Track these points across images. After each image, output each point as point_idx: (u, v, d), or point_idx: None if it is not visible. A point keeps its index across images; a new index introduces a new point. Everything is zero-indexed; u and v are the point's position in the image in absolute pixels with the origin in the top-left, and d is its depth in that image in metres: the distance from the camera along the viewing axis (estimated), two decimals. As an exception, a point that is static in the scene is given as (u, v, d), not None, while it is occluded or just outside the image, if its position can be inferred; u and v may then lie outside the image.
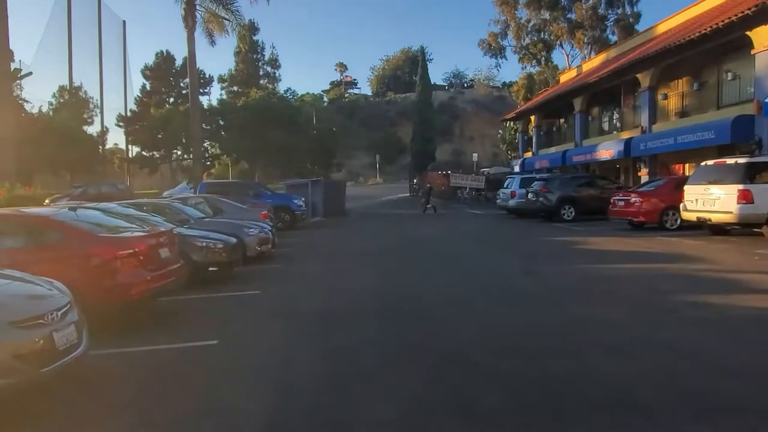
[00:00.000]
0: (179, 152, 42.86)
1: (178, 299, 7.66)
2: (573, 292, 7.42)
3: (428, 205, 28.02)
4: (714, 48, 20.95)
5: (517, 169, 37.75)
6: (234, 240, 10.08)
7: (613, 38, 46.97)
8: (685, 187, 13.36)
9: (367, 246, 14.59)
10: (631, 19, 46.71)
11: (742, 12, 17.46)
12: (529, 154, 38.28)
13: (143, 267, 6.44)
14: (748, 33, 18.44)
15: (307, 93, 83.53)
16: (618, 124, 30.25)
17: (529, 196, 20.94)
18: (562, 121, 37.76)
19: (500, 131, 48.45)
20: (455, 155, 75.12)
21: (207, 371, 4.89)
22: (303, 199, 22.25)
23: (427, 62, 43.06)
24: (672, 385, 3.92)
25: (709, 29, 18.97)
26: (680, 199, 15.21)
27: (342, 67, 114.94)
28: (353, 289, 8.35)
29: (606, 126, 31.73)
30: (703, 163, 13.38)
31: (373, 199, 39.30)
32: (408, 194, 44.06)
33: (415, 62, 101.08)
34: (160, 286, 6.71)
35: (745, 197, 11.58)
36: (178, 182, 40.77)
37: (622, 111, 28.78)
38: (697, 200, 12.83)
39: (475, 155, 48.41)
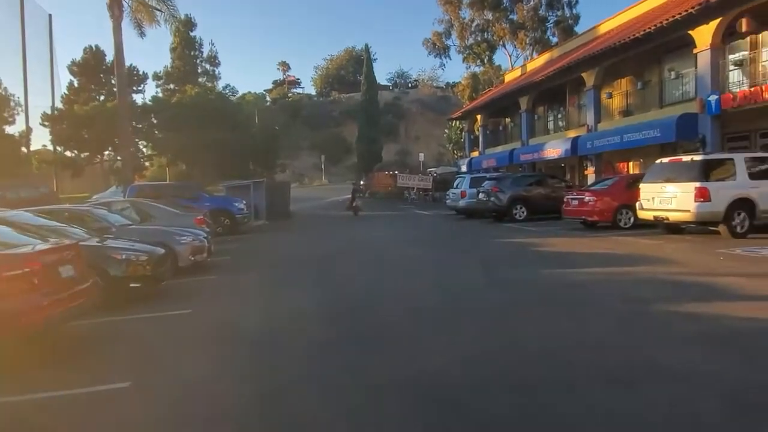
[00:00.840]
0: (111, 153, 40.22)
1: (91, 324, 6.42)
2: (546, 303, 6.71)
3: (354, 204, 27.09)
4: (657, 47, 21.18)
5: (464, 168, 37.54)
6: (161, 250, 8.83)
7: (554, 39, 47.78)
8: (641, 186, 13.09)
9: (314, 251, 13.55)
10: (570, 21, 47.65)
11: (686, 11, 17.58)
12: (475, 154, 38.17)
13: (37, 290, 5.20)
14: (690, 32, 18.64)
15: (249, 92, 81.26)
16: (563, 123, 30.49)
17: (480, 196, 20.45)
18: (508, 120, 37.87)
19: (446, 131, 48.34)
20: (401, 155, 74.75)
21: (110, 428, 3.78)
22: (244, 201, 20.89)
23: (372, 61, 42.22)
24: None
25: (653, 28, 19.07)
26: (633, 197, 15.02)
27: (285, 66, 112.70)
28: (299, 303, 7.34)
29: (552, 125, 31.94)
30: (658, 161, 13.15)
31: (319, 200, 38.10)
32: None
33: (359, 62, 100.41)
34: (61, 312, 5.47)
35: (703, 195, 11.35)
36: (111, 185, 38.18)
37: (568, 110, 28.97)
38: (653, 199, 12.55)
39: (421, 155, 48.02)
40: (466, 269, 9.61)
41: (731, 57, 18.76)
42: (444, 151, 73.13)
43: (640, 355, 4.58)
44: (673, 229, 13.05)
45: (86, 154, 36.01)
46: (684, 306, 6.06)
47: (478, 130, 38.77)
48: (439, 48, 51.58)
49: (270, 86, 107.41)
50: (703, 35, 18.17)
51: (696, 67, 20.29)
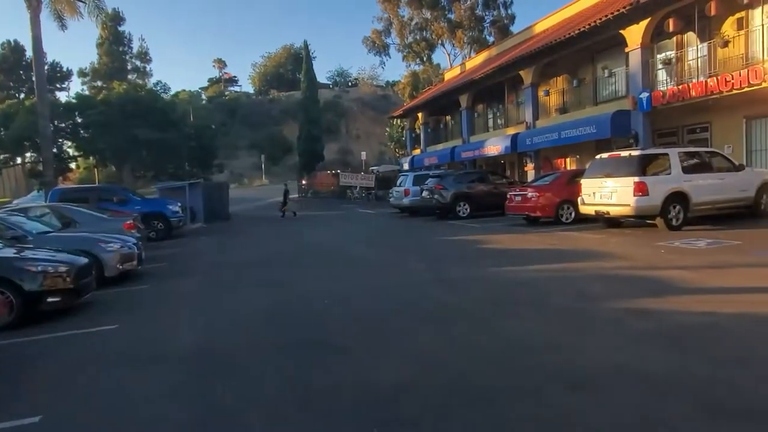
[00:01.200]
0: (33, 155, 37.48)
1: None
2: (497, 302, 6.51)
3: (285, 208, 26.41)
4: (590, 46, 21.79)
5: (406, 166, 37.55)
6: (85, 259, 8.05)
7: (491, 39, 48.66)
8: (582, 181, 13.29)
9: (254, 255, 12.93)
10: (506, 21, 48.65)
11: (618, 10, 18.10)
12: (417, 151, 38.26)
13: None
14: (621, 32, 19.23)
15: (183, 90, 78.28)
16: (502, 121, 30.99)
17: (424, 193, 20.35)
18: (448, 118, 38.16)
19: (387, 129, 48.26)
20: (342, 154, 74.29)
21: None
22: (180, 204, 19.86)
23: (312, 59, 41.49)
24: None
25: (586, 27, 19.55)
26: (574, 193, 15.29)
27: (221, 63, 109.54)
28: (238, 314, 6.82)
29: (491, 122, 32.43)
30: (597, 157, 13.39)
31: (259, 201, 37.06)
32: (297, 195, 42.26)
33: (298, 60, 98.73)
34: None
35: (641, 189, 11.60)
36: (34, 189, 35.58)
37: (507, 107, 29.44)
38: (594, 194, 12.76)
39: (363, 154, 47.80)
40: (413, 269, 9.33)
41: (659, 56, 19.54)
42: (385, 150, 73.18)
43: (597, 355, 4.42)
44: (613, 223, 13.34)
45: (5, 155, 33.45)
46: (635, 302, 6.00)
47: (419, 128, 38.86)
48: (378, 46, 51.47)
49: (206, 84, 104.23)
50: (634, 35, 18.79)
51: (627, 66, 21.04)
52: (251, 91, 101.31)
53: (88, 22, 25.81)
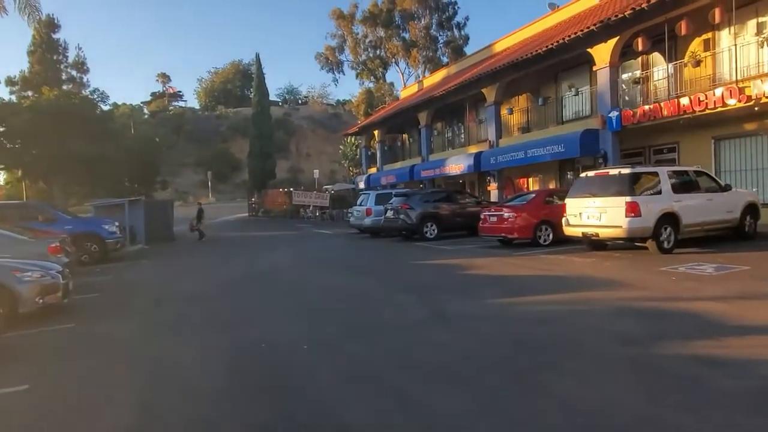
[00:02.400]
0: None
1: None
2: (524, 348, 5.26)
3: (197, 226, 24.51)
4: (553, 65, 21.44)
5: (362, 185, 36.38)
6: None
7: (445, 59, 48.64)
8: (566, 201, 12.42)
9: (205, 283, 11.25)
10: (460, 42, 48.78)
11: (588, 28, 17.73)
12: (374, 170, 37.16)
13: None
14: (589, 50, 18.89)
15: (124, 104, 74.53)
16: (463, 139, 30.40)
17: (389, 213, 19.13)
18: (405, 136, 37.38)
19: (341, 147, 47.04)
20: (292, 173, 72.52)
21: None
22: (117, 223, 17.79)
23: (263, 73, 39.89)
24: None
25: (555, 44, 19.12)
26: (551, 213, 14.48)
27: (165, 77, 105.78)
28: (189, 375, 5.25)
29: (451, 140, 31.78)
30: (582, 175, 12.58)
31: (207, 220, 34.70)
32: (247, 214, 40.22)
33: (247, 76, 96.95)
34: None
35: (633, 210, 10.80)
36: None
37: (468, 126, 28.83)
38: (580, 214, 11.89)
39: (316, 172, 46.29)
40: (403, 302, 8.01)
41: (624, 76, 19.30)
42: (337, 169, 71.96)
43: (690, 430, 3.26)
44: (598, 245, 12.51)
45: None
46: (694, 347, 4.92)
47: (375, 146, 37.86)
48: (332, 63, 50.51)
49: (148, 99, 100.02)
50: (602, 53, 18.45)
51: (591, 85, 20.76)
52: (197, 106, 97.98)
53: (17, 21, 23.24)
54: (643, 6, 15.85)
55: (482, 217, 15.35)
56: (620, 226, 10.93)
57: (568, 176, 23.22)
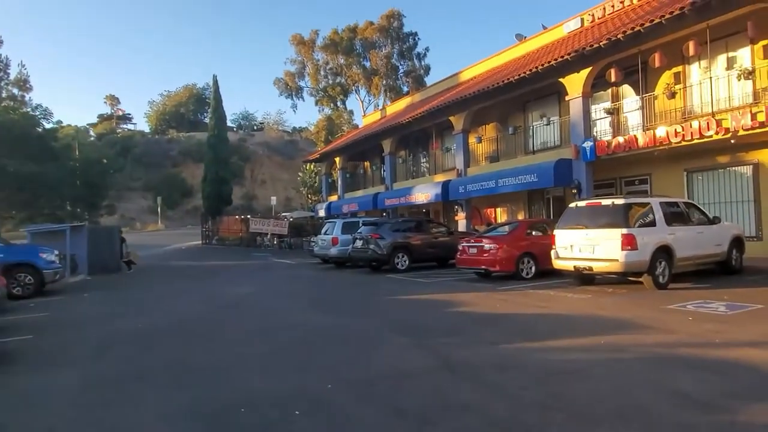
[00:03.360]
0: None
1: None
2: (568, 414, 4.31)
3: (127, 255, 22.80)
4: (523, 95, 21.27)
5: (322, 213, 35.26)
6: None
7: (405, 88, 48.65)
8: (555, 232, 11.75)
9: (157, 322, 9.84)
10: (421, 71, 48.95)
11: (562, 57, 17.55)
12: (334, 197, 36.11)
13: None
14: (561, 80, 18.74)
15: (68, 125, 70.93)
16: (428, 167, 29.88)
17: (357, 243, 18.09)
18: (368, 163, 36.64)
19: (300, 174, 45.81)
20: (246, 200, 70.51)
21: None
22: (57, 252, 16.00)
23: (220, 95, 38.39)
24: None
25: (527, 73, 18.88)
26: (533, 245, 13.85)
27: (113, 99, 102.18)
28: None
29: (416, 169, 31.20)
30: (572, 205, 11.97)
31: (156, 248, 32.61)
32: (200, 242, 38.14)
33: (200, 100, 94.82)
34: None
35: (630, 243, 10.22)
36: None
37: (435, 154, 28.31)
38: (571, 247, 11.23)
39: (273, 199, 44.89)
40: (399, 346, 6.95)
41: (593, 106, 19.19)
42: (293, 196, 70.51)
43: None
44: (586, 279, 11.86)
45: None
46: (760, 409, 4.11)
47: (336, 173, 36.90)
48: (291, 88, 49.60)
49: (95, 121, 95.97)
50: (575, 83, 18.30)
51: (561, 115, 20.65)
52: (147, 129, 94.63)
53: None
54: (619, 37, 15.77)
55: (460, 248, 14.54)
56: (616, 260, 10.30)
57: (535, 207, 22.96)
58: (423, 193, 25.23)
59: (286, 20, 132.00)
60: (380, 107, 44.20)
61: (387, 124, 30.48)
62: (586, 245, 10.90)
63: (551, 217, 21.07)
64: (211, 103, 37.96)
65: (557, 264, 11.60)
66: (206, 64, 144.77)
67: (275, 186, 77.05)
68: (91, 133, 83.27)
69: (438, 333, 7.66)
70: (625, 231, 10.25)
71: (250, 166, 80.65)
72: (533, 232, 14.24)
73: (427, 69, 48.98)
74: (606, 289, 11.09)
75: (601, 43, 16.27)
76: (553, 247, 11.67)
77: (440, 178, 25.58)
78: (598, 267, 10.70)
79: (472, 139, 24.61)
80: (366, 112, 50.03)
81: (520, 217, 23.67)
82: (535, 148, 21.97)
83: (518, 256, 13.47)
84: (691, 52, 15.06)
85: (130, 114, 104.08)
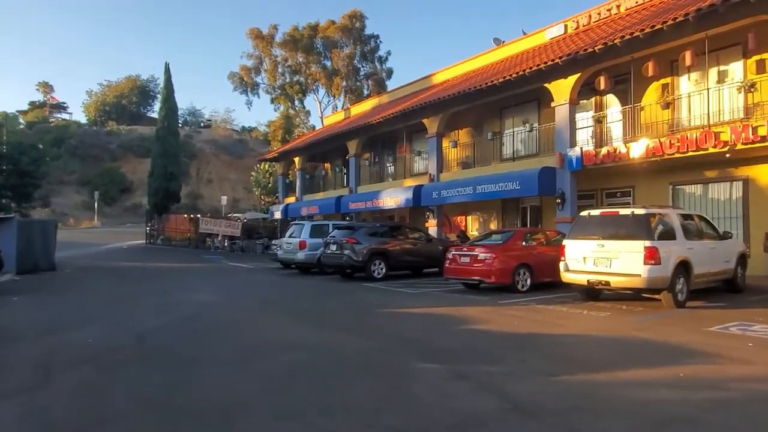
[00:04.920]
0: None
1: None
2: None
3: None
4: (501, 99, 20.49)
5: (277, 215, 33.42)
6: None
7: (366, 91, 47.47)
8: (566, 243, 10.77)
9: (109, 337, 8.06)
10: (383, 74, 47.91)
11: (552, 60, 16.84)
12: (292, 199, 34.32)
13: None
14: (546, 85, 18.06)
15: (-6, 110, 65.25)
16: (394, 171, 28.72)
17: (331, 247, 16.61)
18: (328, 165, 35.11)
19: (253, 174, 43.58)
20: (191, 198, 66.96)
21: None
22: (-20, 247, 13.69)
23: (172, 84, 35.70)
24: None
25: (512, 76, 18.08)
26: (530, 255, 12.90)
27: (47, 87, 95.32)
28: None
29: (382, 172, 29.93)
30: (584, 214, 11.02)
31: (94, 246, 29.69)
32: (144, 241, 35.27)
33: (144, 92, 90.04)
34: None
35: (653, 256, 9.34)
36: None
37: (405, 157, 27.15)
38: (584, 259, 10.26)
39: (223, 198, 42.55)
40: (429, 380, 5.59)
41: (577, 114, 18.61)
42: (241, 196, 67.70)
43: None
44: (591, 294, 10.94)
45: None
46: None
47: (294, 174, 35.15)
48: (247, 84, 47.33)
49: (25, 108, 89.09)
50: (562, 89, 17.64)
51: (540, 122, 20.01)
52: (84, 120, 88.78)
53: None
54: (616, 41, 15.16)
55: (449, 256, 13.37)
56: (638, 275, 9.40)
57: (508, 216, 22.21)
58: (392, 198, 24.02)
59: (242, 13, 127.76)
60: (340, 108, 42.80)
61: (353, 124, 29.13)
62: (601, 258, 9.96)
63: (527, 226, 20.39)
64: (162, 93, 35.29)
65: (566, 277, 10.61)
66: (151, 54, 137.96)
67: (222, 186, 73.83)
68: (21, 120, 77.13)
69: (472, 359, 6.40)
70: (648, 243, 9.38)
71: (197, 164, 76.92)
72: (528, 242, 13.28)
73: (390, 72, 48.08)
74: (619, 306, 10.19)
75: (596, 48, 15.62)
76: (562, 258, 10.68)
77: (410, 182, 24.48)
78: (616, 282, 9.77)
79: (445, 144, 23.65)
80: (324, 113, 48.43)
81: (493, 226, 22.89)
82: (514, 155, 21.21)
83: (515, 267, 12.44)
84: (688, 62, 14.61)
85: (65, 103, 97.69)
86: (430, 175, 23.28)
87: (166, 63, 36.08)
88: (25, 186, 23.32)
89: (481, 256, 12.46)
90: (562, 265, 10.68)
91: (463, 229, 23.68)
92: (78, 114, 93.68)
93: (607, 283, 9.90)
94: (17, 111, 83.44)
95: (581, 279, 10.28)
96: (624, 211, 10.23)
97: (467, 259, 12.79)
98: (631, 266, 9.49)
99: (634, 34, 14.73)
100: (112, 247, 31.35)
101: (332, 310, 10.98)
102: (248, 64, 47.12)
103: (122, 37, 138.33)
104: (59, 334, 8.31)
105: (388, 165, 29.49)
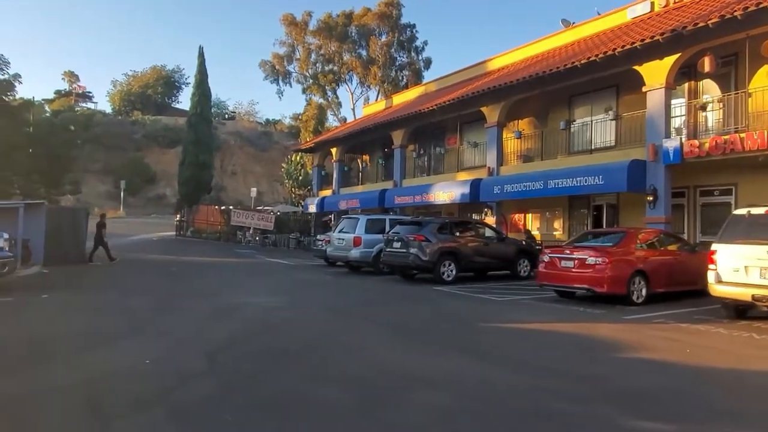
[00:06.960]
0: None
1: None
2: None
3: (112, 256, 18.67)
4: (574, 86, 18.33)
5: (312, 209, 31.67)
6: None
7: (403, 81, 45.48)
8: (717, 248, 8.71)
9: (170, 355, 6.25)
10: (421, 64, 45.90)
11: (652, 37, 14.71)
12: (327, 192, 32.49)
13: None
14: (636, 68, 15.92)
15: (21, 98, 64.54)
16: (445, 164, 26.67)
17: (395, 245, 14.70)
18: (367, 157, 33.25)
19: (284, 165, 41.88)
20: (216, 190, 65.63)
21: None
22: (7, 235, 12.05)
23: (206, 69, 34.02)
24: None
25: (598, 57, 15.97)
26: (646, 260, 10.85)
27: (72, 76, 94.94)
28: None
29: (429, 165, 27.92)
30: (742, 212, 8.95)
31: (124, 237, 28.16)
32: (173, 233, 33.76)
33: (168, 83, 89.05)
34: None
35: None
36: None
37: (458, 149, 25.12)
38: (746, 269, 8.21)
39: (253, 190, 40.86)
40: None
41: (675, 101, 16.46)
42: (265, 190, 66.26)
43: None
44: (739, 311, 8.88)
45: None
46: None
47: (331, 165, 33.33)
48: (279, 72, 45.62)
49: (51, 97, 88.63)
50: (656, 72, 15.48)
51: (619, 111, 17.85)
52: (109, 110, 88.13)
53: None
54: (736, 14, 12.98)
55: (546, 260, 11.36)
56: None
57: (575, 215, 20.11)
58: (445, 192, 22.03)
59: (271, 2, 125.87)
60: (373, 100, 40.92)
61: (397, 114, 27.15)
62: (772, 268, 7.90)
63: (603, 226, 18.26)
64: (195, 78, 33.64)
65: (718, 290, 8.56)
66: (177, 44, 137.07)
67: (246, 178, 72.53)
68: (47, 109, 76.54)
69: (695, 412, 4.44)
70: None
71: (221, 156, 75.70)
72: (644, 245, 11.22)
73: (428, 62, 45.97)
74: (791, 329, 8.12)
75: (709, 21, 13.45)
76: (712, 267, 8.62)
77: (464, 176, 22.47)
78: (799, 299, 7.70)
79: (506, 135, 21.59)
80: (356, 104, 46.61)
81: (557, 225, 20.82)
82: (592, 148, 19.05)
83: (631, 274, 10.41)
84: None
85: (90, 92, 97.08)
86: (489, 168, 21.22)
87: (200, 46, 34.48)
88: (55, 170, 21.76)
89: (591, 260, 10.44)
90: (711, 275, 8.62)
91: (521, 227, 21.68)
92: (103, 104, 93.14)
93: (784, 300, 7.83)
94: (43, 99, 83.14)
95: (742, 293, 8.22)
96: (802, 210, 8.16)
97: (570, 264, 10.78)
98: (820, 280, 7.43)
99: (762, 5, 12.54)
100: (141, 238, 29.84)
101: (425, 321, 9.06)
102: (280, 52, 45.49)
103: (149, 27, 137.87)
104: (104, 349, 6.52)
105: (438, 157, 27.40)
